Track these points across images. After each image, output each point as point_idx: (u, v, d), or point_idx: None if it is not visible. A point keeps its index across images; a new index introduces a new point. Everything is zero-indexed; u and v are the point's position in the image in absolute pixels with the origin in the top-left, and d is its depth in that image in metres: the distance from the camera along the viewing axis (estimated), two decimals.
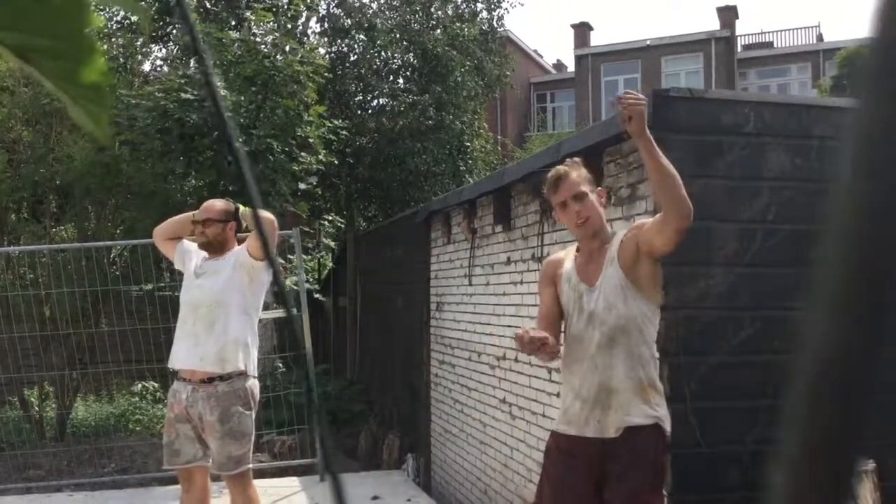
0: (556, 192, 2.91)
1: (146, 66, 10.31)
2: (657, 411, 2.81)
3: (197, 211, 4.07)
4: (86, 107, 0.48)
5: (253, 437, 4.01)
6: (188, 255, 4.06)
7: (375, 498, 5.84)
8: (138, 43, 9.07)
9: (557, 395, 4.53)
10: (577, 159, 3.02)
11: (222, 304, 3.88)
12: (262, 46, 8.03)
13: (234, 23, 10.27)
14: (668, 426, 2.85)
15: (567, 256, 3.03)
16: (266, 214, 4.07)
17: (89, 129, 0.49)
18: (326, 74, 8.83)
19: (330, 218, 10.04)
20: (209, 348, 3.84)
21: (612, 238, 2.93)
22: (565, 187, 2.89)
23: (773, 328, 3.61)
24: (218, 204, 4.07)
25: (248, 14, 9.32)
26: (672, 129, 3.53)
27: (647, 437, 2.78)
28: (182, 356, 3.89)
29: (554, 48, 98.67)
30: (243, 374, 3.92)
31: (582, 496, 2.85)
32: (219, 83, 7.38)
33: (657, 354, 2.92)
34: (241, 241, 4.11)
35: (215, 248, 4.01)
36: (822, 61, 25.01)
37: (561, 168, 2.95)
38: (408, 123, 12.34)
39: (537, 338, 2.55)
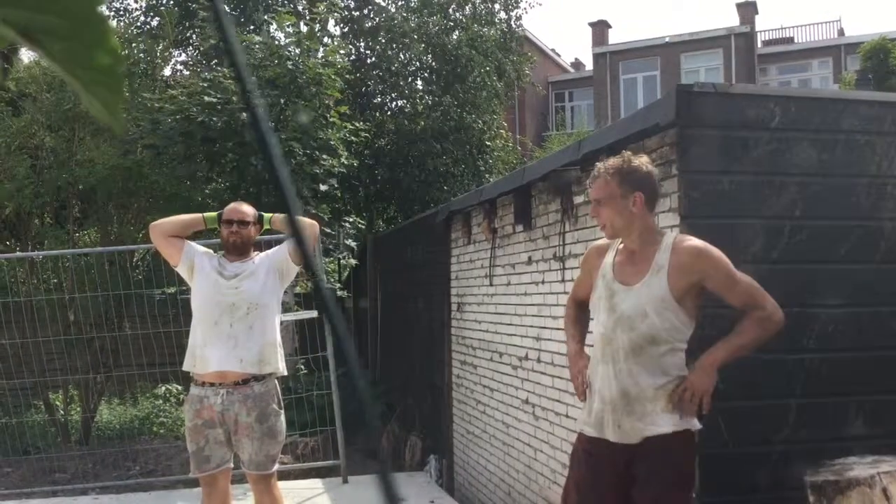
0: (590, 190, 2.94)
1: (167, 71, 10.35)
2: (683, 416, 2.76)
3: (225, 211, 4.05)
4: (98, 93, 0.43)
5: (284, 436, 4.05)
6: (198, 256, 4.00)
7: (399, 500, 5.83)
8: (159, 48, 9.09)
9: None
10: (612, 162, 2.87)
11: (261, 307, 3.91)
12: (285, 50, 8.04)
13: (252, 27, 10.29)
14: (696, 425, 2.79)
15: (611, 248, 2.96)
16: (304, 219, 4.14)
17: (102, 119, 0.45)
18: (347, 76, 8.83)
19: (350, 219, 10.04)
20: (250, 350, 3.86)
21: (661, 241, 2.82)
22: (592, 190, 2.90)
23: (800, 326, 3.55)
24: (246, 206, 4.07)
25: (266, 17, 9.35)
26: (697, 124, 3.48)
27: (672, 443, 2.72)
28: (218, 358, 3.84)
29: (571, 47, 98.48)
30: (273, 374, 3.97)
31: (606, 497, 2.81)
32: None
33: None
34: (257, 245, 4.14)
35: (242, 249, 4.01)
36: (844, 56, 24.73)
37: (595, 170, 2.92)
38: (430, 124, 12.33)
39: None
